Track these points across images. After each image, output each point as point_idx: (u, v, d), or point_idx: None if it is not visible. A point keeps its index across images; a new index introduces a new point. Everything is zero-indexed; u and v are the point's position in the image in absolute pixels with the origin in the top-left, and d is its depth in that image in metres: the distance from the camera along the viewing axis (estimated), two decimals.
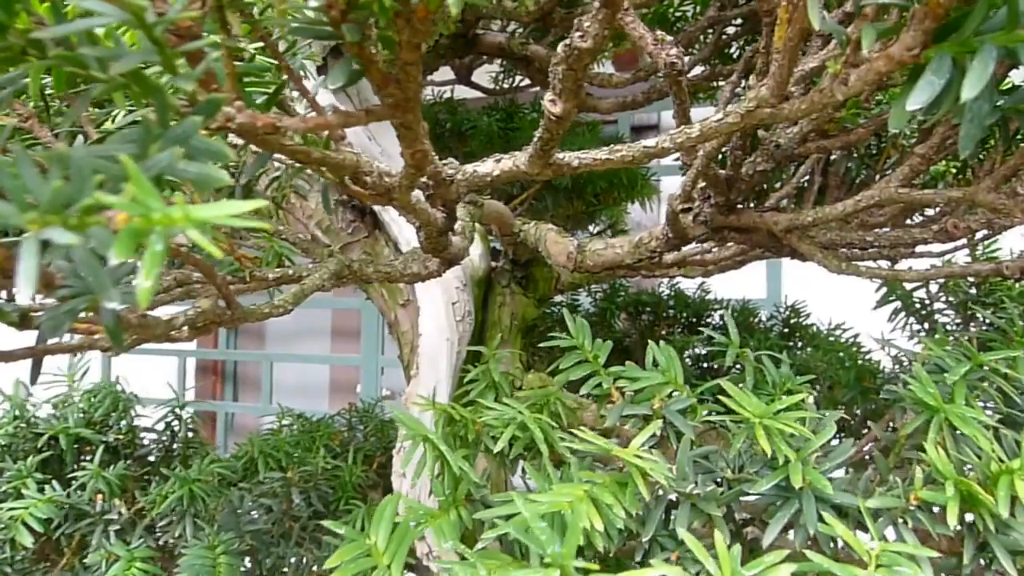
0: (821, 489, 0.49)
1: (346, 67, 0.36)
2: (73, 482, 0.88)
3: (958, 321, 0.96)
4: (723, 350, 1.63)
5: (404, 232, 1.15)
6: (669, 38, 0.54)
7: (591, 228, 1.78)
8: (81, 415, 0.99)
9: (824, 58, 0.44)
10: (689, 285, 1.72)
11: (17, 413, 0.93)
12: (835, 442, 0.57)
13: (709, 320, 1.76)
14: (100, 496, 0.88)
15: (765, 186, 0.79)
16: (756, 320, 1.72)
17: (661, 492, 0.55)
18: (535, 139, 0.49)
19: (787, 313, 1.66)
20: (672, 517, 0.58)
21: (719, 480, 0.58)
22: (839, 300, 1.69)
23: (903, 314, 0.99)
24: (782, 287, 2.30)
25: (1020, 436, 0.51)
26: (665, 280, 1.78)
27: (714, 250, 0.86)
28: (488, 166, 0.56)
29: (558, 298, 1.82)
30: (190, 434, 1.09)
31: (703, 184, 0.71)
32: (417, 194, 0.69)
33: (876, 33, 0.35)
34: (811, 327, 1.64)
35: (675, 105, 0.56)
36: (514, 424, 0.59)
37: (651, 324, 1.86)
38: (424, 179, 0.57)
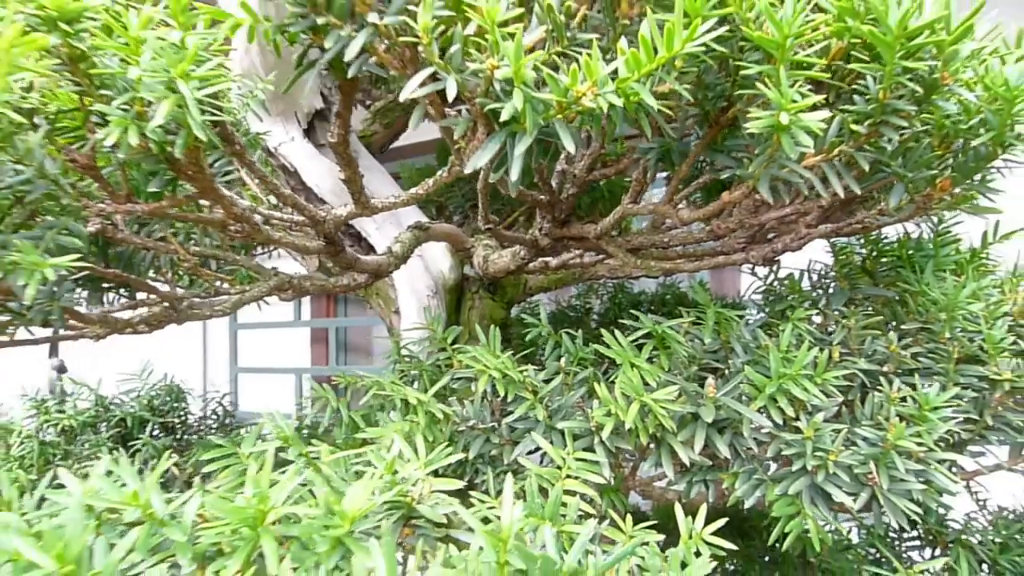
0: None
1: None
2: (133, 449, 1.22)
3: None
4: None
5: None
6: None
7: None
8: (145, 403, 1.34)
9: None
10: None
11: (96, 401, 1.29)
12: None
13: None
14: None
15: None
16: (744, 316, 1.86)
17: (462, 428, 0.78)
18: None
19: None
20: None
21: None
22: None
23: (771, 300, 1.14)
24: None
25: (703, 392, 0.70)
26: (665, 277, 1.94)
27: (588, 255, 1.07)
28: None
29: (576, 303, 2.04)
30: (227, 420, 1.42)
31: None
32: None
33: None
34: None
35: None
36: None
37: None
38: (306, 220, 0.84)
